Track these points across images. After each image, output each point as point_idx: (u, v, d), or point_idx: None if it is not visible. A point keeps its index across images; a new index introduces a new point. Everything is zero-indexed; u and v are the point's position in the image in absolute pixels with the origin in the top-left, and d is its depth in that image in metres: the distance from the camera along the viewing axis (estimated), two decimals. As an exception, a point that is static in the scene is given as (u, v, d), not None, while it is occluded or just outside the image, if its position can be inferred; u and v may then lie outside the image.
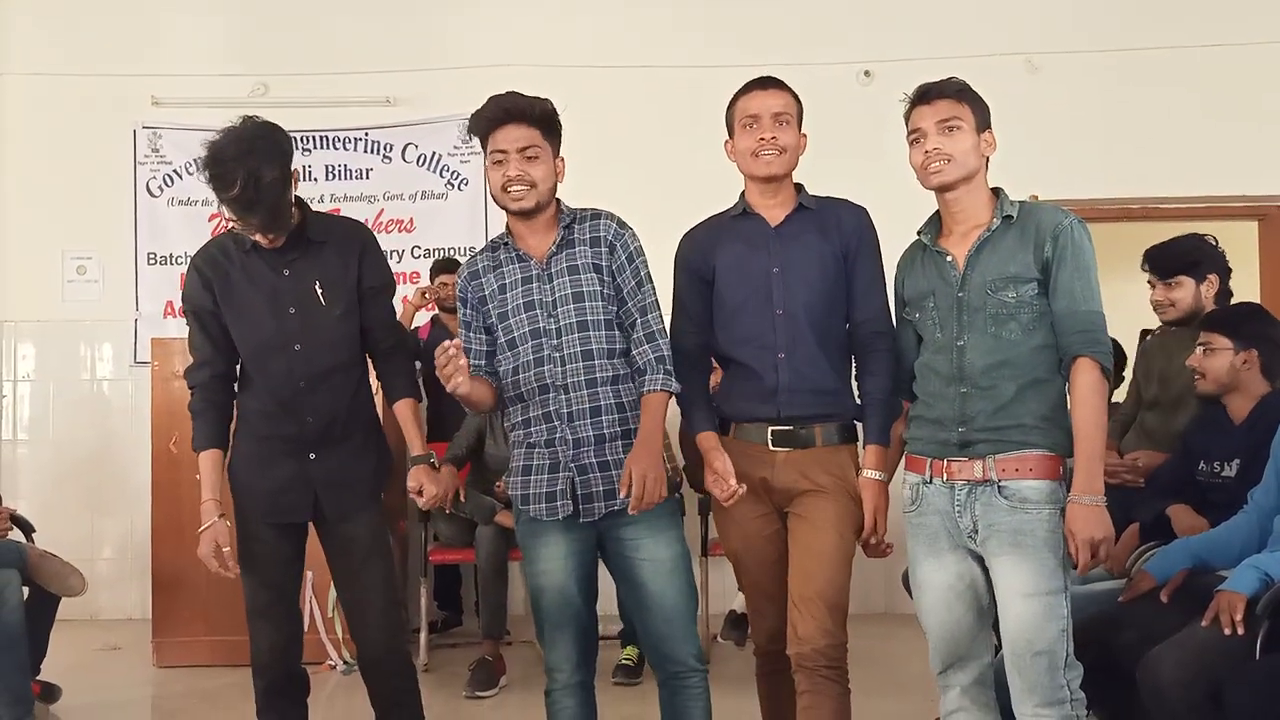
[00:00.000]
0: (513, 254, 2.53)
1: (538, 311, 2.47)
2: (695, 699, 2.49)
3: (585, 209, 2.57)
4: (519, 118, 2.44)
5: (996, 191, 2.37)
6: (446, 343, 2.28)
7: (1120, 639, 2.58)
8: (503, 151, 2.44)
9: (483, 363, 2.54)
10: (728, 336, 2.54)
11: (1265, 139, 5.23)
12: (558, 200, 2.54)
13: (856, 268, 2.51)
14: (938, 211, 2.41)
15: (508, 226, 2.57)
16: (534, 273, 2.50)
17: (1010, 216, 2.31)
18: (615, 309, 2.49)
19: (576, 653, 2.49)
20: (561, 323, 2.46)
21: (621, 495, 2.35)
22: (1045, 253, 2.26)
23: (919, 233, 2.44)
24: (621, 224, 2.54)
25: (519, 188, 2.44)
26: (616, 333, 2.49)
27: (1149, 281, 3.47)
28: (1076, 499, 2.18)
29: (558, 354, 2.45)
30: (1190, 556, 2.70)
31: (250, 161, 2.39)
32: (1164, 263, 3.40)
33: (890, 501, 2.49)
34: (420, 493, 2.60)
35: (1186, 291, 3.37)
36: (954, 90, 2.32)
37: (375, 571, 2.65)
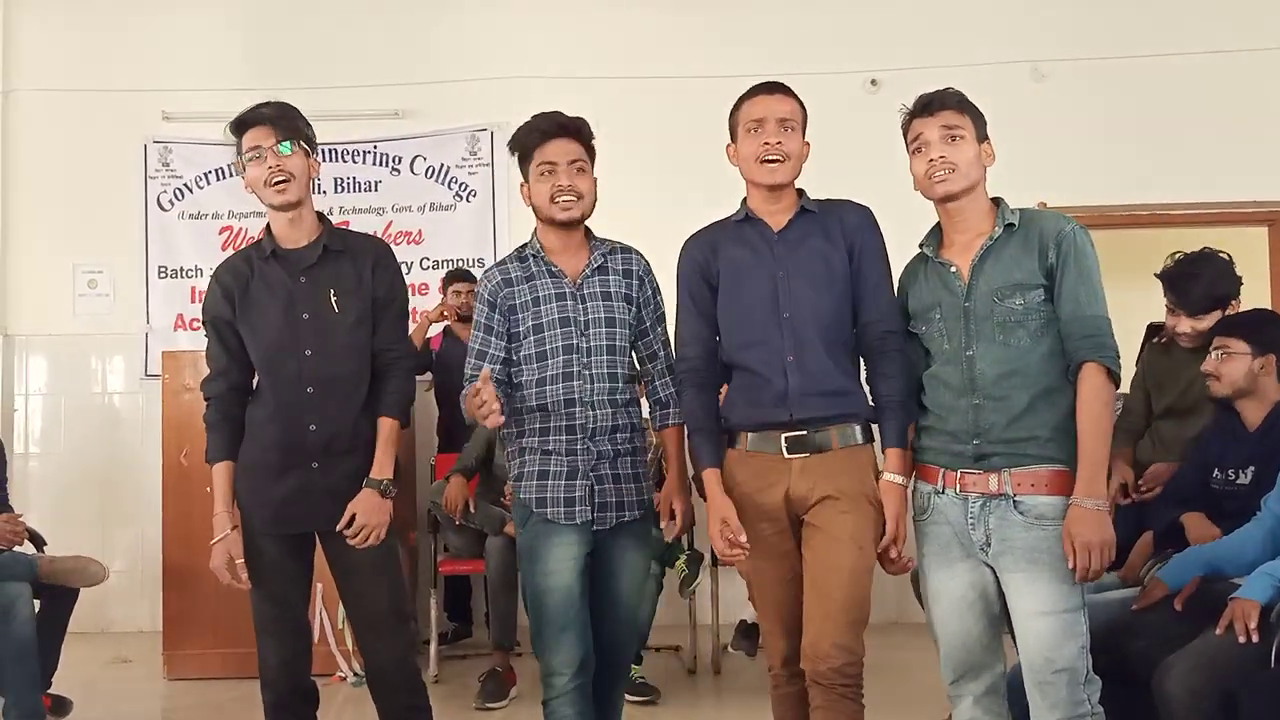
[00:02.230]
0: (544, 268, 2.61)
1: (572, 329, 2.56)
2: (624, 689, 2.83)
3: (615, 242, 2.69)
4: (570, 133, 2.57)
5: (996, 201, 2.37)
6: (478, 386, 2.32)
7: (1133, 647, 2.57)
8: (552, 163, 2.55)
9: (499, 366, 2.59)
10: (734, 342, 2.50)
11: (1275, 144, 5.21)
12: (586, 225, 2.64)
13: (862, 268, 2.46)
14: (939, 223, 2.41)
15: (538, 240, 2.63)
16: (567, 290, 2.59)
17: (1012, 224, 2.31)
18: (634, 339, 2.64)
19: (578, 656, 2.50)
20: (593, 343, 2.57)
21: (664, 525, 2.61)
22: (1049, 259, 2.25)
23: (920, 245, 2.43)
24: (648, 263, 2.70)
25: (568, 198, 2.55)
26: (630, 359, 2.63)
27: (1169, 308, 3.40)
28: (1078, 502, 2.17)
29: (587, 371, 2.55)
30: (1203, 564, 2.69)
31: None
32: (1196, 300, 3.29)
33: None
34: (350, 522, 2.52)
35: (1212, 319, 3.32)
36: (955, 101, 2.32)
37: (382, 586, 2.62)
